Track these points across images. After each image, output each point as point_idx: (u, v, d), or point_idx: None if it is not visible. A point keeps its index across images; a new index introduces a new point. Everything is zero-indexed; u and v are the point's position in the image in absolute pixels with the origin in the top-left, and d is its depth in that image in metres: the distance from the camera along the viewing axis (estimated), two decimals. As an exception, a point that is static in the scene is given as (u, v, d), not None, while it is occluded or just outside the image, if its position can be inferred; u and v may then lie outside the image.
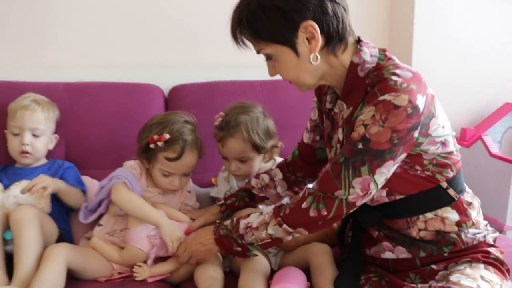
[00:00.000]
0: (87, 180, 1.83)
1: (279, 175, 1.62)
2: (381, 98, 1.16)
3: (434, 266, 1.30)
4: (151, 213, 1.57)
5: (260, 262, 1.48)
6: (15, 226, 1.49)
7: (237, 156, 1.67)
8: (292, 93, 2.10)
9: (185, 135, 1.61)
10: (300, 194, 1.33)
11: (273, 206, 1.39)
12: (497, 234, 1.38)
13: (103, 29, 2.21)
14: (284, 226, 1.30)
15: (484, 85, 2.55)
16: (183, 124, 1.64)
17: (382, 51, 1.28)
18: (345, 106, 1.28)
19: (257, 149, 1.67)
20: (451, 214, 1.30)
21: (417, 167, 1.26)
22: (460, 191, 1.31)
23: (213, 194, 1.85)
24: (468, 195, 1.34)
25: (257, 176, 1.64)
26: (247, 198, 1.63)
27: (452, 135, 1.29)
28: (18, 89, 1.87)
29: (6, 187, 1.69)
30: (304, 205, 1.27)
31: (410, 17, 2.38)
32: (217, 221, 1.46)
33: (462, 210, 1.31)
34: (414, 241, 1.31)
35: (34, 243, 1.47)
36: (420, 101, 1.16)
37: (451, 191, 1.29)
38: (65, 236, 1.68)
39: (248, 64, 2.33)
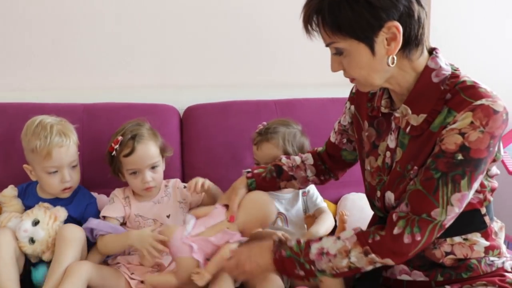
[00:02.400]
0: (102, 199, 1.87)
1: (310, 160, 1.61)
2: (478, 102, 1.13)
3: (448, 287, 1.28)
4: (120, 240, 1.62)
5: (275, 283, 1.48)
6: (60, 242, 1.55)
7: (268, 161, 1.71)
8: (306, 112, 2.12)
9: (135, 131, 1.71)
10: (387, 221, 1.24)
11: (352, 231, 1.27)
12: None
13: (120, 52, 2.27)
14: (372, 255, 1.21)
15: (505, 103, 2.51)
16: (134, 125, 1.74)
17: (452, 65, 1.26)
18: (409, 111, 1.23)
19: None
20: (481, 240, 1.27)
21: (478, 187, 1.23)
22: (491, 219, 1.30)
23: None
24: (497, 225, 1.33)
25: (288, 157, 1.64)
26: (275, 173, 1.59)
27: None
28: (38, 110, 1.90)
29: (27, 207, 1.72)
30: (396, 230, 1.19)
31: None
32: (276, 239, 1.36)
33: (491, 238, 1.29)
34: (433, 265, 1.28)
35: (69, 262, 1.53)
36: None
37: (486, 218, 1.27)
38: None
39: (261, 84, 2.38)
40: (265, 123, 1.83)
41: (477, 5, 2.42)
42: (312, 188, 1.83)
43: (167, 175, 1.85)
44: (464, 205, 1.18)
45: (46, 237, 1.61)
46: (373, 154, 1.37)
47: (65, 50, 2.24)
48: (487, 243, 1.27)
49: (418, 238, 1.17)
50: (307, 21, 1.20)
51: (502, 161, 2.32)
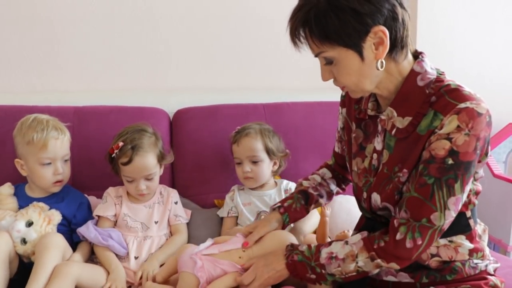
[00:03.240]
0: (92, 200, 1.89)
1: (328, 174, 1.65)
2: (463, 105, 1.15)
3: None
4: (105, 263, 1.67)
5: None
6: (40, 247, 1.55)
7: (249, 155, 1.83)
8: (295, 115, 2.14)
9: (136, 140, 1.74)
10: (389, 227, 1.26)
11: (359, 236, 1.29)
12: (499, 264, 1.37)
13: (111, 55, 2.29)
14: (378, 260, 1.24)
15: (488, 105, 2.55)
16: (138, 132, 1.77)
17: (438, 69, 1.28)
18: (395, 114, 1.26)
19: (268, 151, 1.85)
20: (466, 243, 1.30)
21: None
22: (475, 221, 1.32)
23: (219, 213, 1.92)
24: (480, 227, 1.35)
25: (307, 178, 1.65)
26: (303, 200, 1.58)
27: None
28: (28, 112, 1.87)
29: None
30: (398, 236, 1.21)
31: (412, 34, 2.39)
32: (289, 244, 1.38)
33: (475, 240, 1.31)
34: (418, 267, 1.30)
35: (52, 265, 1.52)
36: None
37: (471, 221, 1.30)
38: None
39: (250, 87, 2.39)
40: (238, 127, 1.92)
41: (463, 9, 2.46)
42: (294, 186, 1.86)
43: (156, 178, 1.86)
44: (459, 208, 1.20)
45: (38, 239, 1.62)
46: (360, 156, 1.39)
47: (56, 53, 2.25)
48: (471, 246, 1.30)
49: (420, 242, 1.19)
50: (294, 34, 1.21)
51: (487, 163, 2.36)
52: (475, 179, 1.29)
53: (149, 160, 1.75)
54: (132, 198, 1.82)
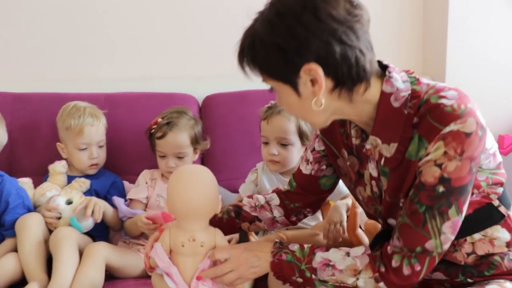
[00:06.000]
0: (125, 184, 1.94)
1: (275, 201, 1.44)
2: (447, 129, 1.03)
3: (470, 280, 1.22)
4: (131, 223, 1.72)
5: None
6: (53, 243, 1.59)
7: (279, 136, 1.64)
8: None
9: (173, 119, 1.82)
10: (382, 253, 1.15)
11: (364, 251, 1.17)
12: None
13: (141, 42, 2.32)
14: (381, 283, 1.14)
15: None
16: (177, 112, 1.84)
17: (409, 73, 1.15)
18: (379, 141, 1.13)
19: (301, 135, 1.65)
20: (502, 234, 1.19)
21: (474, 191, 1.14)
22: (508, 205, 1.21)
23: (240, 190, 1.87)
24: None
25: (250, 196, 1.48)
26: (233, 213, 1.43)
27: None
28: (61, 100, 1.97)
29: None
30: (393, 264, 1.11)
31: (443, 33, 2.34)
32: (277, 240, 1.25)
33: None
34: (453, 265, 1.20)
35: (73, 256, 1.55)
36: (481, 118, 1.06)
37: (502, 209, 1.18)
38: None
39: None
40: (272, 101, 1.71)
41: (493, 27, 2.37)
42: None
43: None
44: (457, 229, 1.10)
45: (69, 219, 1.67)
46: (361, 184, 1.27)
47: (88, 42, 2.29)
48: (508, 237, 1.19)
49: (418, 268, 1.10)
50: (238, 60, 1.13)
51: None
52: (493, 170, 1.17)
53: (181, 138, 1.80)
54: (166, 179, 1.85)
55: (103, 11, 2.28)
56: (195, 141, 1.84)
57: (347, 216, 1.61)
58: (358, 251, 1.18)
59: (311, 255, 1.18)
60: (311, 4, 1.03)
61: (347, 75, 1.05)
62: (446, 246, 1.11)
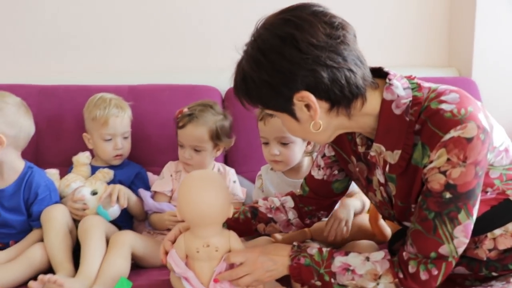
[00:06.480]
0: (149, 175, 1.96)
1: (290, 203, 1.47)
2: (448, 136, 1.04)
3: (494, 274, 1.22)
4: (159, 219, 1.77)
5: None
6: (82, 232, 1.61)
7: (278, 135, 1.61)
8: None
9: (196, 111, 1.80)
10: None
11: (384, 256, 1.18)
12: None
13: (165, 35, 2.32)
14: None
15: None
16: (203, 105, 1.82)
17: (411, 79, 1.16)
18: (383, 148, 1.14)
19: None
20: None
21: (488, 189, 1.15)
22: None
23: (253, 195, 1.85)
24: None
25: (266, 199, 1.51)
26: (249, 213, 1.46)
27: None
28: (85, 92, 2.00)
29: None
30: (410, 269, 1.12)
31: (470, 25, 2.29)
32: (295, 244, 1.26)
33: None
34: (475, 259, 1.21)
35: (100, 245, 1.57)
36: (483, 120, 1.07)
37: None
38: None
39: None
40: None
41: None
42: None
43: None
44: (470, 232, 1.10)
45: (95, 209, 1.69)
46: (371, 190, 1.29)
47: (111, 35, 2.30)
48: None
49: (435, 273, 1.11)
50: (234, 92, 1.17)
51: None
52: (505, 166, 1.16)
53: (199, 132, 1.78)
54: (187, 172, 1.85)
55: (128, 4, 2.29)
56: (215, 137, 1.80)
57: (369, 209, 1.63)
58: (378, 256, 1.19)
59: (330, 259, 1.19)
60: (289, 36, 1.04)
61: (340, 95, 1.07)
62: (461, 249, 1.11)
